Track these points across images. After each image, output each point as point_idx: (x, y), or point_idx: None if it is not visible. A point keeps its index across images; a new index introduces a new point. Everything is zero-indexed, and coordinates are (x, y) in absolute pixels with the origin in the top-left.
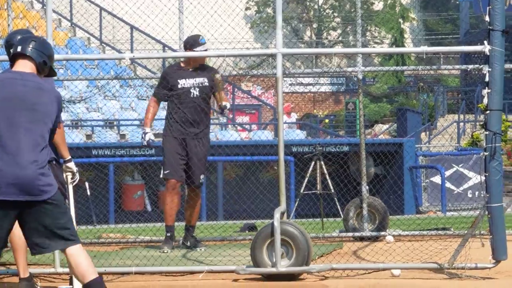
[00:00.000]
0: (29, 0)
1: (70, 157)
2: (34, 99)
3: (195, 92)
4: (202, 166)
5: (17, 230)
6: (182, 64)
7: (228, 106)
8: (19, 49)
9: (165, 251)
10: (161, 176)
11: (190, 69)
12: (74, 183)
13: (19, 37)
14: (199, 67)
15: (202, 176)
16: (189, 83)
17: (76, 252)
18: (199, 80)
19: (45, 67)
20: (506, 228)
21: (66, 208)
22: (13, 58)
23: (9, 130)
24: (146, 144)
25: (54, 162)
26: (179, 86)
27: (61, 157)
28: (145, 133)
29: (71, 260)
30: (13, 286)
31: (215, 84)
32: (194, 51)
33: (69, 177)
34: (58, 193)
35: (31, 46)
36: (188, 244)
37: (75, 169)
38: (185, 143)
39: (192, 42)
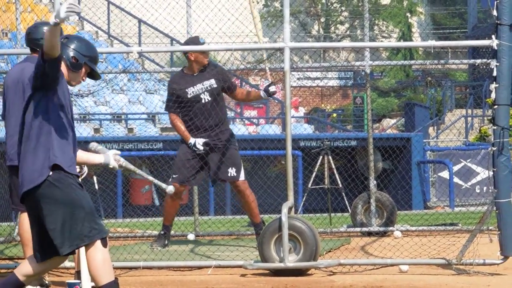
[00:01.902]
0: None
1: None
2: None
3: (206, 97)
4: (228, 160)
5: (26, 224)
6: (185, 71)
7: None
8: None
9: (155, 249)
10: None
11: (195, 74)
12: (82, 177)
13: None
14: (203, 69)
15: (232, 170)
16: (198, 89)
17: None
18: (207, 83)
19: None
20: None
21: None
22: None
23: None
24: (204, 148)
25: None
26: (189, 95)
27: None
28: (193, 145)
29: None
30: None
31: (223, 79)
32: (196, 51)
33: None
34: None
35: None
36: None
37: None
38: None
39: (191, 44)
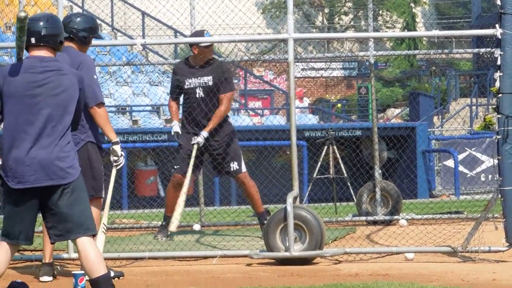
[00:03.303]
0: None
1: (117, 139)
2: (55, 84)
3: (200, 92)
4: (229, 155)
5: None
6: (190, 61)
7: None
8: (32, 41)
9: (159, 239)
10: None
11: (197, 67)
12: (118, 167)
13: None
14: (207, 63)
15: (234, 164)
16: (195, 83)
17: (85, 245)
18: (204, 79)
19: (61, 46)
20: None
21: (85, 197)
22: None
23: (28, 117)
24: (174, 136)
25: (90, 144)
26: (186, 86)
27: (108, 140)
28: (171, 126)
29: (81, 253)
30: (34, 271)
31: (220, 79)
32: (200, 46)
33: (114, 164)
34: (79, 180)
35: (43, 32)
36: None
37: (119, 152)
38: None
39: (211, 41)
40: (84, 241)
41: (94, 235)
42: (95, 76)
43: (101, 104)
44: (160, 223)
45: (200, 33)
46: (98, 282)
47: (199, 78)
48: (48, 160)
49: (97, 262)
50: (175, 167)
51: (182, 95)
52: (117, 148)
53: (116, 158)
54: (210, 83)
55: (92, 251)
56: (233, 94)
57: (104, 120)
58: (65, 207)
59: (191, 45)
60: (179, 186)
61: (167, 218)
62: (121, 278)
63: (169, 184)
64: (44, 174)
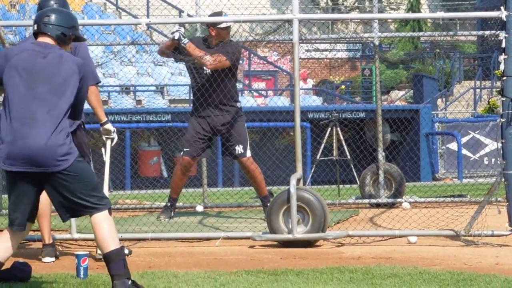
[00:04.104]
0: None
1: (106, 119)
2: (53, 70)
3: (208, 71)
4: (235, 138)
5: (42, 196)
6: (206, 39)
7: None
8: (35, 27)
9: (162, 220)
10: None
11: (211, 47)
12: (113, 142)
13: (38, 13)
14: (221, 43)
15: (239, 147)
16: None
17: (98, 220)
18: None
19: (66, 38)
20: None
21: (87, 177)
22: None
23: (25, 101)
24: (177, 35)
25: (79, 127)
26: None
27: (98, 121)
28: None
29: (93, 228)
30: (36, 252)
31: (223, 51)
32: (217, 27)
33: (108, 139)
34: (76, 163)
35: (46, 21)
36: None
37: (112, 128)
38: (210, 119)
39: (212, 21)
40: (95, 218)
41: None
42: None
43: (94, 85)
44: (163, 204)
45: (218, 14)
46: (109, 256)
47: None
48: (43, 146)
49: (108, 238)
50: (185, 149)
51: (192, 75)
52: (109, 126)
53: (108, 136)
54: None
55: (102, 229)
56: (226, 61)
57: (98, 99)
58: (66, 191)
59: (208, 26)
60: (188, 170)
61: (172, 200)
62: (129, 256)
63: (177, 167)
64: (35, 161)
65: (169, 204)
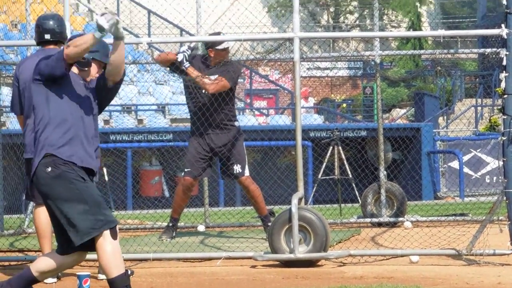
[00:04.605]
0: None
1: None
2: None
3: (205, 92)
4: (234, 157)
5: (44, 217)
6: (206, 58)
7: None
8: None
9: (164, 240)
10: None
11: (210, 67)
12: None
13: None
14: (220, 63)
15: (237, 167)
16: None
17: (98, 245)
18: (210, 78)
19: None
20: None
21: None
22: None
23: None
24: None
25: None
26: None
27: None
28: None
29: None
30: None
31: (223, 71)
32: (216, 49)
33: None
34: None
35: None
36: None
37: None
38: (209, 139)
39: (212, 40)
40: (98, 242)
41: (112, 229)
42: None
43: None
44: (165, 224)
45: (217, 35)
46: (113, 282)
47: (207, 76)
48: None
49: (109, 263)
50: (186, 170)
51: (189, 94)
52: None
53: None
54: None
55: (105, 252)
56: (227, 84)
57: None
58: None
59: (207, 47)
60: (190, 190)
61: (173, 220)
62: (131, 276)
63: (179, 187)
64: None
65: (170, 224)
